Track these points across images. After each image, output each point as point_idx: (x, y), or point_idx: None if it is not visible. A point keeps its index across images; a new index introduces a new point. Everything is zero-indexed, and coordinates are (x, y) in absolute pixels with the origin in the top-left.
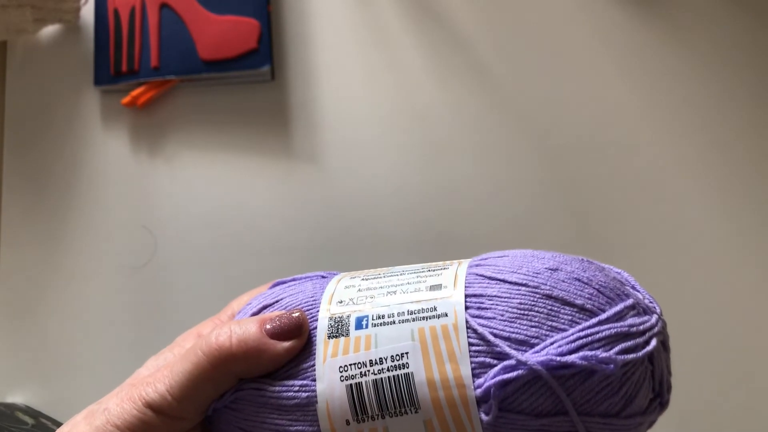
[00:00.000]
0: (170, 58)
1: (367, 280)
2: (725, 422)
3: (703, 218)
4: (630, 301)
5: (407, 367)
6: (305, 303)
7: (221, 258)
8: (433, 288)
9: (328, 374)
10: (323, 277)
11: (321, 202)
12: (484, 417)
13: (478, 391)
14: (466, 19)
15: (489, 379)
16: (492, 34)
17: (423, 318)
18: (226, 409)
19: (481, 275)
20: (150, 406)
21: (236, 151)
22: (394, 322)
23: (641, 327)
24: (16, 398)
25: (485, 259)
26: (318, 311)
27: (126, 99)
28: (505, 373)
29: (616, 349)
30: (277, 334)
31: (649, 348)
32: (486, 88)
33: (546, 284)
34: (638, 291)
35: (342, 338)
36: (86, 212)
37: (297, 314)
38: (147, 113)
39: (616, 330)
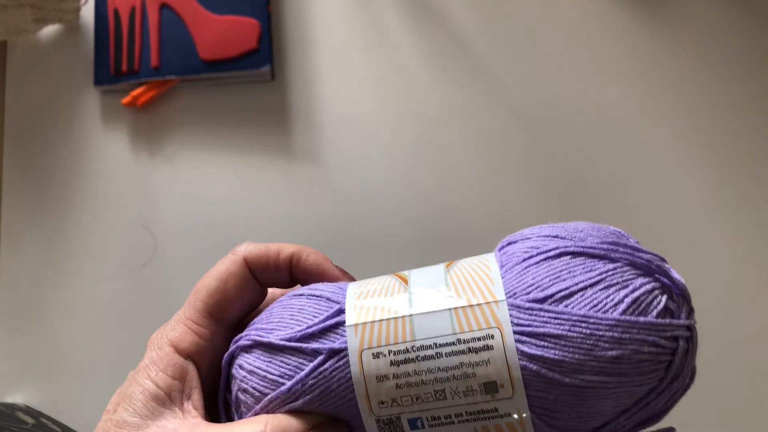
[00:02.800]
0: (170, 58)
1: (398, 364)
2: (725, 422)
3: (703, 218)
4: (680, 349)
5: None
6: (340, 404)
7: (221, 258)
8: (488, 389)
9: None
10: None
11: (321, 202)
12: None
13: None
14: (466, 20)
15: None
16: (492, 34)
17: (485, 418)
18: None
19: (538, 374)
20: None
21: (236, 151)
22: (453, 423)
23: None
24: (16, 398)
25: (528, 325)
26: (357, 410)
27: (126, 99)
28: None
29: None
30: None
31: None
32: (486, 88)
33: (612, 383)
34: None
35: None
36: (86, 212)
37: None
38: (147, 113)
39: (674, 390)
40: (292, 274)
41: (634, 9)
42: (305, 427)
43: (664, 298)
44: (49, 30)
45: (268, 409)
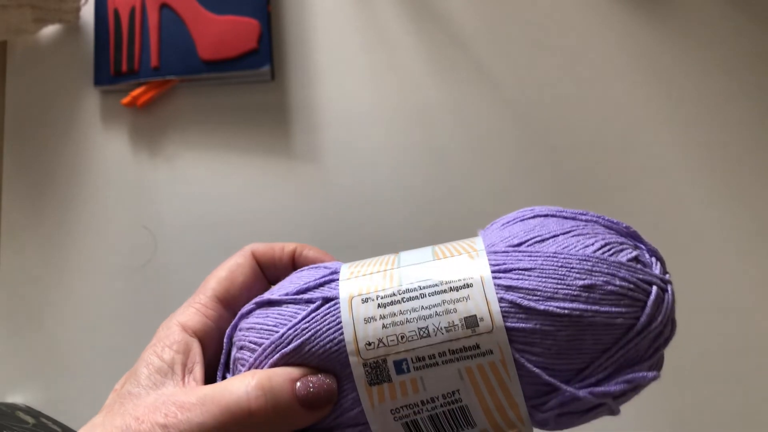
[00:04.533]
0: (170, 58)
1: (384, 306)
2: (725, 422)
3: (703, 217)
4: (654, 292)
5: (461, 402)
6: (329, 347)
7: (221, 258)
8: (468, 323)
9: (380, 417)
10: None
11: (321, 202)
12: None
13: (531, 410)
14: (466, 20)
15: (546, 410)
16: (492, 34)
17: (467, 357)
18: None
19: (514, 303)
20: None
21: (236, 151)
22: (437, 364)
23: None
24: (16, 398)
25: (504, 263)
26: (346, 355)
27: (126, 99)
28: (560, 407)
29: (656, 357)
30: (310, 402)
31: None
32: (486, 88)
33: (587, 311)
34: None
35: (385, 384)
36: (86, 212)
37: (329, 382)
38: (147, 113)
39: (653, 335)
40: (295, 267)
41: (635, 8)
42: (293, 376)
43: (636, 251)
44: (49, 30)
45: (261, 359)
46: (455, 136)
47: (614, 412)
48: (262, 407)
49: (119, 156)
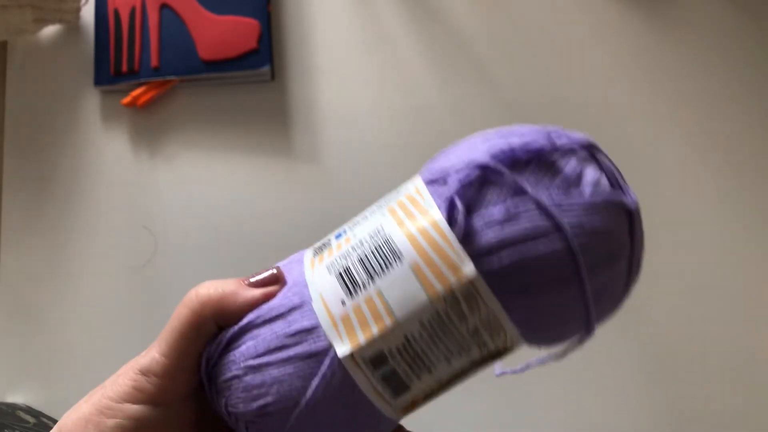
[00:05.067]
0: (170, 58)
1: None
2: (726, 422)
3: (704, 217)
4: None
5: (385, 233)
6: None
7: (221, 258)
8: (397, 190)
9: (317, 276)
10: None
11: (321, 202)
12: (457, 231)
13: (444, 212)
14: (466, 20)
15: (449, 190)
16: (492, 34)
17: (390, 200)
18: (222, 359)
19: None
20: (142, 371)
21: (236, 151)
22: (367, 218)
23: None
24: (16, 398)
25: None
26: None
27: (126, 99)
28: (462, 177)
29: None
30: (256, 283)
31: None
32: (486, 88)
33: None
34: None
35: (325, 250)
36: (86, 212)
37: (275, 270)
38: (147, 113)
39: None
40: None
41: (635, 8)
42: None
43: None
44: (49, 30)
45: None
46: (455, 134)
47: None
48: (213, 295)
49: (119, 156)
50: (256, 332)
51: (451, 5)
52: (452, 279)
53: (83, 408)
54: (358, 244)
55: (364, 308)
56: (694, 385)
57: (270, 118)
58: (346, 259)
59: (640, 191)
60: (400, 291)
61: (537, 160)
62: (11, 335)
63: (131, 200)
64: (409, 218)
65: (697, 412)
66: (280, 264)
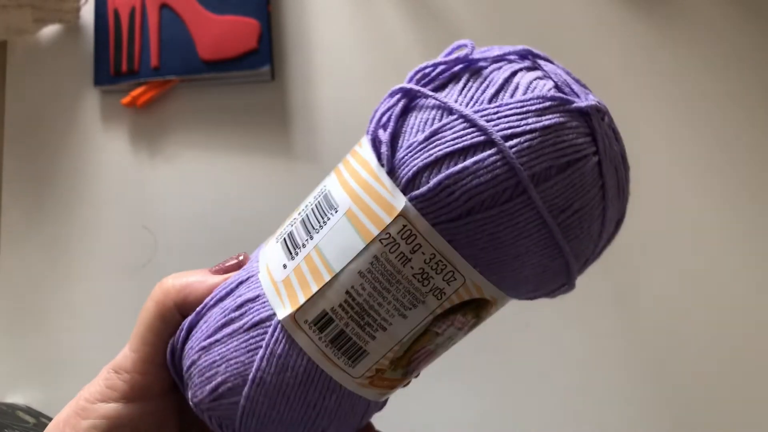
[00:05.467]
0: (170, 58)
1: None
2: (726, 422)
3: (704, 217)
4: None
5: (325, 190)
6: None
7: (221, 258)
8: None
9: (268, 249)
10: None
11: None
12: (386, 166)
13: (371, 149)
14: (466, 20)
15: (373, 125)
16: (492, 34)
17: (340, 162)
18: (183, 348)
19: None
20: (114, 368)
21: (236, 151)
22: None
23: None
24: (16, 398)
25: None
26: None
27: (126, 99)
28: (384, 108)
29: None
30: (219, 270)
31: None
32: None
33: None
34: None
35: (281, 226)
36: (86, 212)
37: (241, 256)
38: (147, 113)
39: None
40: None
41: (635, 8)
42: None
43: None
44: (49, 30)
45: None
46: None
47: None
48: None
49: (119, 156)
50: (208, 314)
51: (451, 5)
52: (385, 217)
53: (62, 411)
54: (303, 208)
55: (304, 268)
56: (694, 385)
57: (270, 118)
58: (291, 225)
59: (639, 191)
60: (337, 242)
61: (465, 75)
62: (11, 335)
63: (131, 200)
64: (347, 168)
65: (697, 412)
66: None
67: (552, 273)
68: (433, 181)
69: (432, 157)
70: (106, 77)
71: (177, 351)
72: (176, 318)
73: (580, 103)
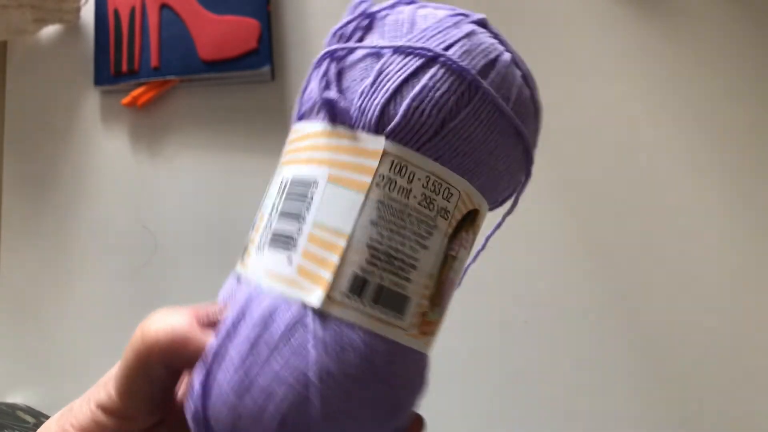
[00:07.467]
0: (170, 58)
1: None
2: (726, 421)
3: (704, 217)
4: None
5: (288, 179)
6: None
7: (220, 258)
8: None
9: (252, 265)
10: None
11: None
12: (347, 120)
13: (324, 115)
14: None
15: (313, 92)
16: None
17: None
18: (207, 407)
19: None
20: (100, 407)
21: (236, 151)
22: (267, 193)
23: None
24: (16, 398)
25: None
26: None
27: (126, 99)
28: (319, 74)
29: None
30: (210, 322)
31: None
32: None
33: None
34: None
35: (248, 246)
36: (86, 212)
37: (222, 305)
38: (147, 113)
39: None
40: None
41: (635, 8)
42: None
43: None
44: (49, 30)
45: None
46: None
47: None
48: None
49: (119, 156)
50: (224, 359)
51: (450, 5)
52: (371, 162)
53: (52, 428)
54: (272, 208)
55: (313, 248)
56: (694, 385)
57: (270, 118)
58: (268, 228)
59: (639, 190)
60: (335, 208)
61: (376, 23)
62: (11, 335)
63: (131, 200)
64: (299, 151)
65: (697, 413)
66: (222, 296)
67: (517, 162)
68: (401, 110)
69: (390, 91)
70: (106, 77)
71: (199, 413)
72: (161, 374)
73: (474, 16)
